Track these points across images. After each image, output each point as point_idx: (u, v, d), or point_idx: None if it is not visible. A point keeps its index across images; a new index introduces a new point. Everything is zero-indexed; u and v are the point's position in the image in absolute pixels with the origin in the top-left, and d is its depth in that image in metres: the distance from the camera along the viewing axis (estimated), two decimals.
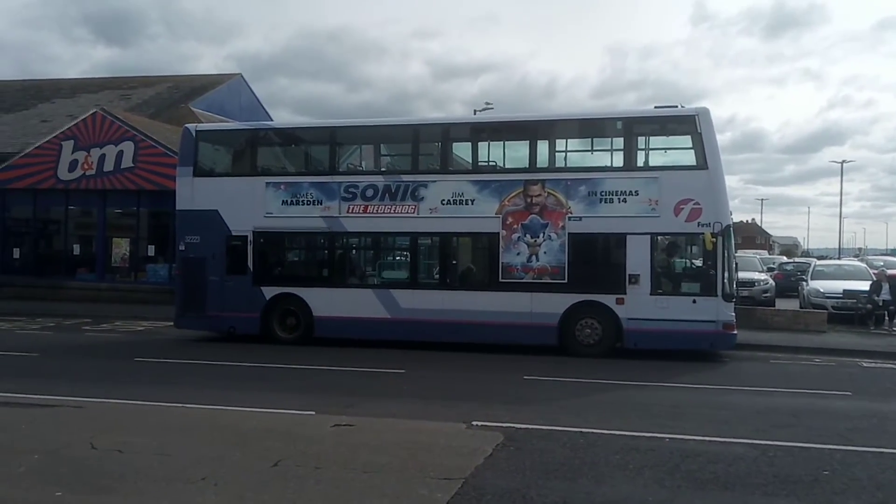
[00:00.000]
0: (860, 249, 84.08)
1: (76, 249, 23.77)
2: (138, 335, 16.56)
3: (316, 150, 16.27)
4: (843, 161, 65.90)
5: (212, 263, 15.13)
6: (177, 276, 16.04)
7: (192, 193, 15.38)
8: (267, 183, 15.15)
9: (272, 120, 29.94)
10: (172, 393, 9.69)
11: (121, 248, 23.25)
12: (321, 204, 14.82)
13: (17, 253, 24.35)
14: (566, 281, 13.67)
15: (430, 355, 13.49)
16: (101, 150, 22.16)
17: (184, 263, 15.48)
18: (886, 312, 18.41)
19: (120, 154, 22.01)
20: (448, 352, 13.70)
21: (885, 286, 18.34)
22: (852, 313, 18.72)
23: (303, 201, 14.91)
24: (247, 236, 15.07)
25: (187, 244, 15.37)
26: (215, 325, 15.43)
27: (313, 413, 8.58)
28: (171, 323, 16.02)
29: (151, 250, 22.95)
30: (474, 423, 8.08)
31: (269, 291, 14.98)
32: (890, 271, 21.74)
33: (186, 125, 16.42)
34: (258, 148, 16.02)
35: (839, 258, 46.46)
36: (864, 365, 13.52)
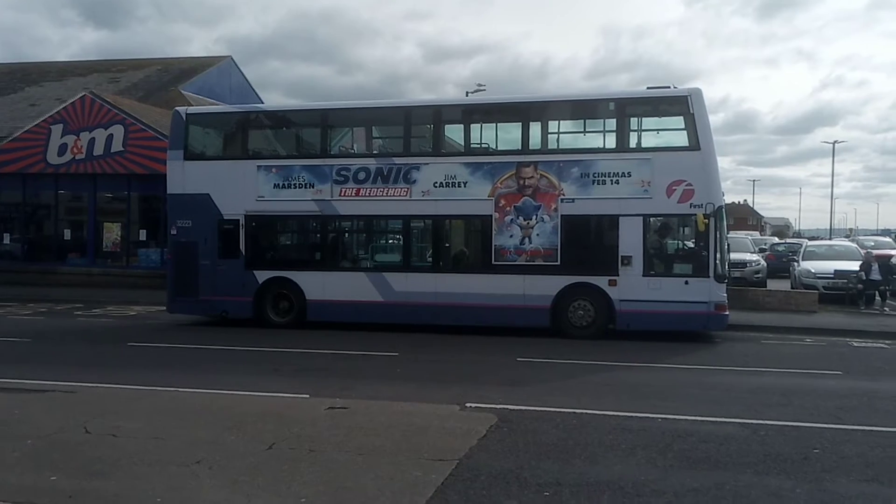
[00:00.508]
0: (851, 230, 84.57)
1: (67, 234, 23.63)
2: (130, 320, 16.53)
3: (307, 132, 16.18)
4: (835, 142, 66.45)
5: (204, 247, 15.08)
6: (169, 261, 15.98)
7: (183, 177, 15.30)
8: (258, 166, 15.08)
9: (263, 103, 29.76)
10: (165, 377, 9.69)
11: (112, 232, 23.12)
12: (313, 187, 14.77)
13: (7, 238, 24.23)
14: (559, 263, 13.69)
15: (424, 338, 13.51)
16: (90, 133, 21.97)
17: (175, 248, 15.43)
18: (877, 292, 18.53)
19: (110, 138, 21.83)
20: (441, 334, 13.73)
21: (874, 266, 18.44)
22: (843, 293, 18.83)
23: (295, 184, 14.86)
24: (239, 220, 15.02)
25: (179, 228, 15.31)
26: (208, 310, 15.42)
27: (307, 396, 8.61)
28: (164, 307, 15.99)
29: (143, 235, 22.83)
30: (468, 404, 8.12)
31: (262, 275, 14.96)
32: (879, 251, 21.88)
33: (176, 108, 16.29)
34: (249, 131, 15.92)
35: (830, 239, 46.67)
36: (855, 344, 13.62)
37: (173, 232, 15.41)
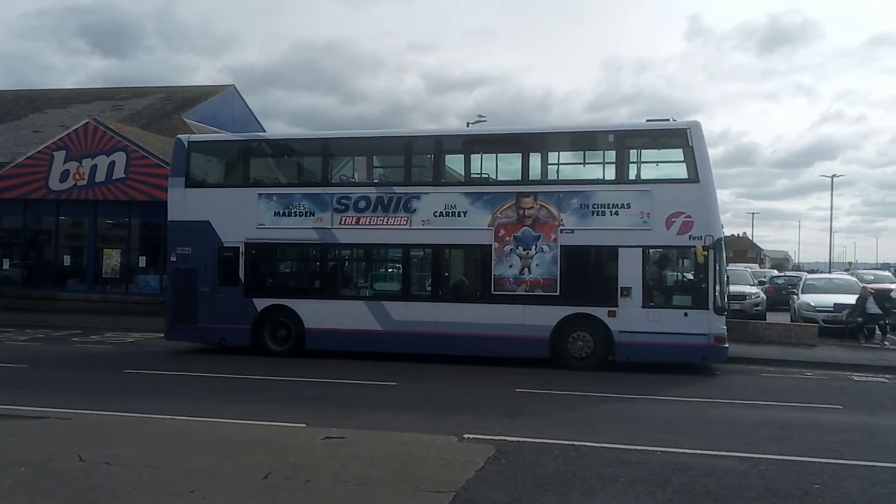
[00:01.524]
0: (850, 264, 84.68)
1: (67, 260, 23.63)
2: (128, 347, 16.46)
3: (308, 161, 16.27)
4: (834, 175, 66.73)
5: (203, 275, 15.07)
6: (168, 288, 15.96)
7: (184, 204, 15.34)
8: (259, 194, 15.13)
9: (265, 131, 29.95)
10: (162, 405, 9.63)
11: (112, 258, 23.13)
12: (313, 215, 14.80)
13: (6, 264, 24.22)
14: (558, 293, 13.66)
15: (422, 368, 13.45)
16: (92, 160, 22.09)
17: (175, 274, 15.41)
18: (877, 326, 18.47)
19: (112, 165, 21.95)
20: (440, 364, 13.66)
21: (870, 300, 18.41)
22: (843, 327, 18.78)
23: (295, 213, 14.89)
24: (238, 247, 15.02)
25: (178, 255, 15.31)
26: (206, 337, 15.35)
27: (304, 425, 8.54)
28: (162, 334, 15.92)
29: (143, 261, 22.84)
30: (466, 435, 8.05)
31: (261, 303, 14.93)
32: (877, 285, 21.88)
33: (179, 136, 16.40)
34: (251, 159, 15.99)
35: (829, 272, 46.67)
36: (855, 378, 13.56)
37: (173, 259, 15.40)
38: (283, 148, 17.01)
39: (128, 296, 22.40)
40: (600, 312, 13.47)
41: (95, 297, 22.45)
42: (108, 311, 21.73)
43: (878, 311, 18.28)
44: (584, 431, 8.45)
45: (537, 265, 13.79)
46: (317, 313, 14.67)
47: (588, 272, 14.01)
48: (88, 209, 22.83)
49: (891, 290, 21.05)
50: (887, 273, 37.18)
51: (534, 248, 13.79)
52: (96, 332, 18.40)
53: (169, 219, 15.61)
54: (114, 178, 21.91)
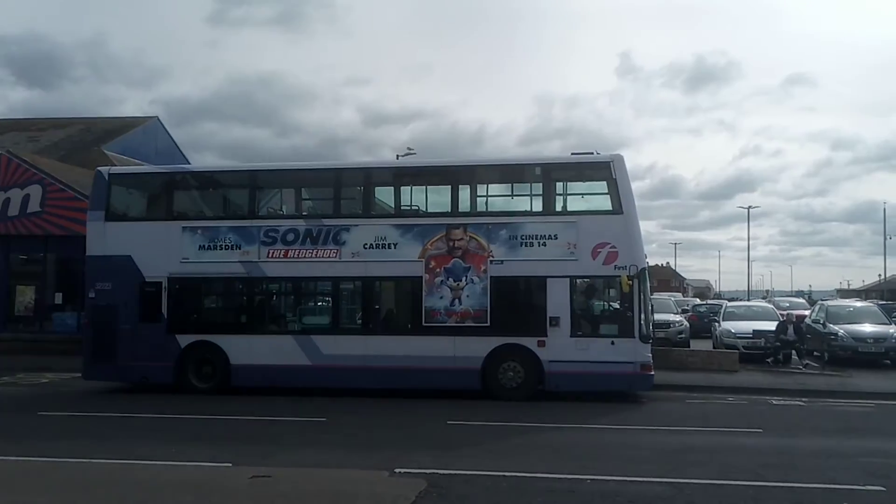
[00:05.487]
0: (767, 291, 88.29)
1: None
2: (43, 388, 15.70)
3: (235, 193, 15.99)
4: (750, 207, 69.33)
5: (124, 311, 14.55)
6: (86, 325, 15.34)
7: (104, 239, 14.84)
8: (183, 227, 14.77)
9: (190, 163, 29.37)
10: (78, 448, 9.19)
11: (25, 296, 22.09)
12: (240, 248, 14.52)
13: None
14: (489, 324, 13.74)
15: (353, 402, 13.27)
16: (5, 193, 21.14)
17: (94, 311, 14.84)
18: (794, 351, 19.21)
19: (26, 198, 21.04)
20: (371, 398, 13.51)
21: (790, 327, 19.17)
22: (762, 352, 19.45)
23: (221, 246, 14.59)
24: (161, 282, 14.59)
25: (98, 291, 14.76)
26: (127, 376, 14.78)
27: (230, 465, 8.30)
28: (79, 374, 15.25)
29: (59, 298, 21.86)
30: (397, 470, 7.96)
31: (185, 339, 14.49)
32: (795, 312, 22.84)
33: (98, 168, 15.91)
34: (175, 192, 15.64)
35: (748, 300, 48.44)
36: (774, 402, 14.02)
37: (91, 295, 14.83)
38: (208, 180, 16.67)
39: (42, 334, 21.34)
40: (530, 342, 13.60)
41: (7, 337, 21.32)
42: (20, 350, 20.63)
43: (793, 337, 19.02)
44: (515, 462, 8.47)
45: (468, 296, 13.85)
46: (243, 349, 14.33)
47: (518, 302, 14.14)
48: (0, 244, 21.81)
49: (804, 317, 21.99)
50: (801, 300, 38.96)
51: (464, 279, 13.86)
52: (7, 374, 17.44)
53: (87, 254, 15.05)
54: (28, 211, 21.01)
